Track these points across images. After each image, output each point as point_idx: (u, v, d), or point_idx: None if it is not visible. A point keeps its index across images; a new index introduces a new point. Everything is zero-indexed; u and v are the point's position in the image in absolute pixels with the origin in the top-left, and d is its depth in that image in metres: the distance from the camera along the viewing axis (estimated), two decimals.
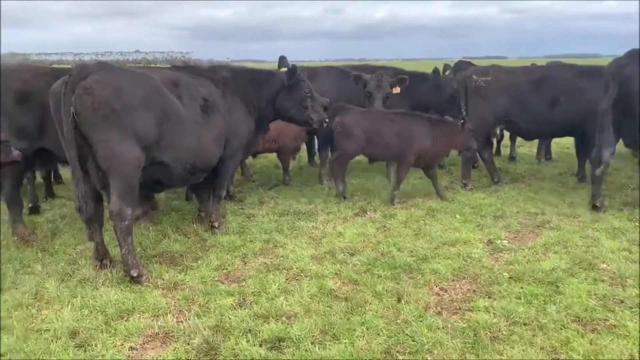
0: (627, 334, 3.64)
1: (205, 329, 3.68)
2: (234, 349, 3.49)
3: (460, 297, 4.25)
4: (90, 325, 3.76)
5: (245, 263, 4.95)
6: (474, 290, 4.35)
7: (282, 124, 6.81)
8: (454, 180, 8.09)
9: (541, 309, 3.98)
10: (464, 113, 7.31)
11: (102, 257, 4.78)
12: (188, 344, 3.57)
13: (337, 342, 3.57)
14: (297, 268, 4.78)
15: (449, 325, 3.75)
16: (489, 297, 4.21)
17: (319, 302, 4.11)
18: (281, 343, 3.56)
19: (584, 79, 7.31)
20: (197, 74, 5.46)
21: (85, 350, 3.50)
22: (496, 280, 4.49)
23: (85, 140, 4.35)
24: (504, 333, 3.66)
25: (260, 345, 3.54)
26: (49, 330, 3.71)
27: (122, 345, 3.58)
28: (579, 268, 4.71)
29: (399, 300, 4.12)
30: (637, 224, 5.85)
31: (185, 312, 3.99)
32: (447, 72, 11.04)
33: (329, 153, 8.27)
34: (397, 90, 7.45)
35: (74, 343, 3.57)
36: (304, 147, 9.10)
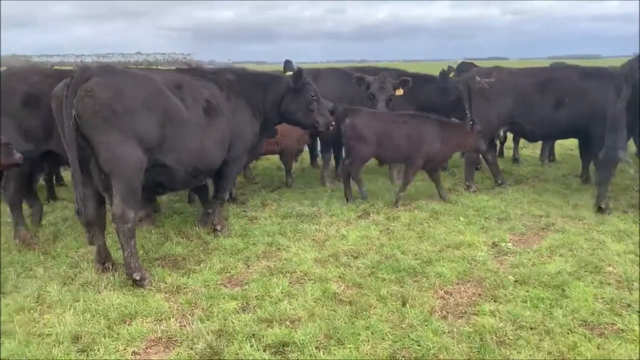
0: (635, 338, 3.59)
1: (208, 334, 3.65)
2: (237, 354, 3.46)
3: (466, 300, 4.21)
4: (92, 329, 3.73)
5: (249, 266, 4.92)
6: (480, 294, 4.31)
7: (284, 126, 6.78)
8: (457, 183, 8.05)
9: (547, 312, 3.94)
10: (468, 115, 7.28)
11: (104, 260, 4.75)
12: (191, 348, 3.54)
13: (341, 346, 3.53)
14: (300, 271, 4.74)
15: (455, 330, 3.72)
16: (495, 301, 4.17)
17: (323, 306, 4.07)
18: (285, 348, 3.53)
19: (588, 81, 7.28)
20: (201, 76, 5.44)
21: (87, 355, 3.47)
22: (501, 283, 4.45)
23: (87, 142, 4.33)
24: (511, 337, 3.62)
25: (264, 350, 3.50)
26: (51, 334, 3.68)
27: (125, 350, 3.55)
28: (585, 271, 4.67)
29: (403, 304, 4.09)
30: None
31: (188, 316, 3.96)
32: (451, 74, 11.01)
33: (331, 155, 8.25)
34: (400, 92, 7.42)
35: (76, 348, 3.54)
36: (306, 148, 9.06)
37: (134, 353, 3.53)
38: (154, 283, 4.50)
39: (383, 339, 3.62)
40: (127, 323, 3.86)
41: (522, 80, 7.50)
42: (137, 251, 4.55)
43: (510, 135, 9.62)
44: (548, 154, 9.88)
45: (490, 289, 4.38)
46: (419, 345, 3.54)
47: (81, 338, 3.63)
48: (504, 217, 6.23)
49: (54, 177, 7.71)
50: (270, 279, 4.57)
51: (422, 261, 4.93)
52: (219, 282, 4.56)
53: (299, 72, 6.01)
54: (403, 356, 3.45)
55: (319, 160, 9.22)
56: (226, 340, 3.60)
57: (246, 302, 4.17)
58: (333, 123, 6.31)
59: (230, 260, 5.00)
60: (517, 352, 3.46)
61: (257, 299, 4.22)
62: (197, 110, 5.02)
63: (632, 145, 6.52)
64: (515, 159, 9.87)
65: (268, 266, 4.88)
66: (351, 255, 5.12)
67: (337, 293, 4.30)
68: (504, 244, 5.39)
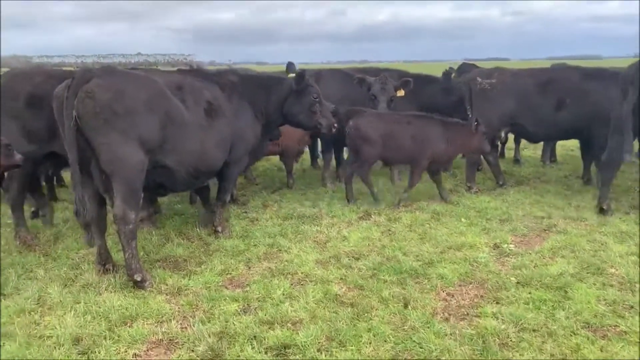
0: (638, 340, 3.58)
1: (209, 336, 3.64)
2: (239, 356, 3.45)
3: (468, 302, 4.19)
4: (93, 331, 3.72)
5: (250, 268, 4.91)
6: (482, 296, 4.29)
7: (285, 127, 6.76)
8: (458, 184, 8.03)
9: (550, 314, 3.92)
10: (470, 116, 7.26)
11: (105, 261, 4.74)
12: (192, 350, 3.53)
13: (343, 349, 3.52)
14: (301, 273, 4.73)
15: (457, 332, 3.70)
16: (497, 303, 4.15)
17: (324, 308, 4.06)
18: (287, 350, 3.51)
19: (589, 81, 7.27)
20: (203, 77, 5.43)
21: (88, 357, 3.46)
22: (504, 285, 4.43)
23: (88, 143, 4.32)
24: (513, 340, 3.60)
25: (266, 352, 3.49)
26: (51, 336, 3.67)
27: (126, 352, 3.54)
28: (587, 273, 4.65)
29: (405, 306, 4.07)
30: None
31: (189, 318, 3.95)
32: (452, 75, 10.99)
33: (332, 156, 8.23)
34: (401, 93, 7.40)
35: (77, 350, 3.53)
36: (306, 149, 9.05)
37: (135, 355, 3.51)
38: (155, 285, 4.48)
39: (385, 341, 3.60)
40: (128, 325, 3.85)
41: (524, 81, 7.49)
42: (138, 252, 4.54)
43: (511, 136, 9.62)
44: (549, 155, 9.87)
45: (493, 290, 4.36)
46: (421, 348, 3.52)
47: (82, 340, 3.62)
48: (505, 219, 6.22)
49: (54, 178, 7.69)
50: (271, 281, 4.55)
51: (424, 263, 4.92)
52: (220, 284, 4.55)
53: (301, 74, 5.99)
54: (405, 359, 3.44)
55: (320, 161, 9.20)
56: (227, 343, 3.59)
57: (247, 304, 4.16)
58: (336, 125, 6.28)
59: (232, 262, 4.99)
60: (520, 355, 3.44)
61: (259, 301, 4.20)
62: (198, 112, 5.01)
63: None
64: (517, 160, 9.86)
65: (269, 268, 4.86)
66: (352, 257, 5.10)
67: (339, 295, 4.29)
68: (505, 245, 5.37)
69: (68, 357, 3.45)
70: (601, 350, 3.47)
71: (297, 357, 3.44)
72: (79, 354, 3.49)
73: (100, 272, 4.67)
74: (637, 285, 4.37)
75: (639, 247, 5.20)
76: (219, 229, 5.70)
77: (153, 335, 3.71)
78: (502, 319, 3.85)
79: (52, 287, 4.40)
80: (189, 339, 3.64)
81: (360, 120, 6.75)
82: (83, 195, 4.42)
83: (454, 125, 6.80)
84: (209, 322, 3.87)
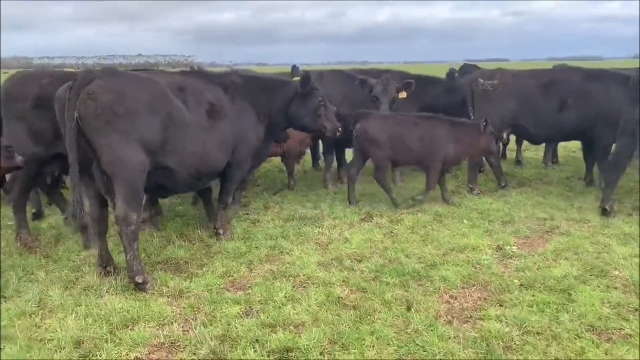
0: None
1: (211, 339, 3.62)
2: None
3: (471, 305, 4.17)
4: (94, 334, 3.70)
5: (251, 270, 4.88)
6: (485, 298, 4.27)
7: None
8: (460, 185, 8.00)
9: (554, 317, 3.90)
10: (472, 117, 7.24)
11: (106, 264, 4.72)
12: (194, 354, 3.51)
13: (346, 352, 3.50)
14: (303, 275, 4.70)
15: (461, 335, 3.67)
16: (500, 306, 4.12)
17: (327, 311, 4.03)
18: (289, 353, 3.49)
19: (591, 82, 7.25)
20: (205, 78, 5.41)
21: None
22: (507, 287, 4.41)
23: (89, 145, 4.30)
24: (517, 343, 3.58)
25: (268, 356, 3.47)
26: (52, 339, 3.65)
27: (128, 355, 3.51)
28: (591, 275, 4.62)
29: (408, 309, 4.04)
30: None
31: (191, 321, 3.92)
32: (456, 75, 10.94)
33: (334, 157, 8.20)
34: (403, 95, 7.37)
35: (78, 353, 3.51)
36: (308, 151, 9.02)
37: (136, 358, 3.49)
38: (156, 287, 4.46)
39: (388, 344, 3.58)
40: (130, 328, 3.83)
41: (525, 82, 7.48)
42: (139, 254, 4.52)
43: (513, 137, 9.59)
44: (551, 156, 9.84)
45: (496, 293, 4.34)
46: (424, 351, 3.50)
47: (83, 343, 3.60)
48: (508, 220, 6.19)
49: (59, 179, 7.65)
50: (273, 283, 4.53)
51: (427, 265, 4.89)
52: (221, 286, 4.53)
53: (306, 77, 5.93)
54: None
55: (321, 162, 9.18)
56: (229, 346, 3.57)
57: (249, 307, 4.13)
58: (340, 129, 6.25)
59: (233, 264, 4.97)
60: (524, 358, 3.42)
61: (261, 304, 4.18)
62: (200, 113, 4.99)
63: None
64: (518, 161, 9.84)
65: (271, 270, 4.84)
66: (355, 259, 5.08)
67: (341, 297, 4.26)
68: (508, 247, 5.35)
69: None
70: (606, 354, 3.45)
71: None
72: (80, 357, 3.47)
73: (101, 275, 4.65)
74: None
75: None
76: (221, 231, 5.68)
77: (155, 338, 3.69)
78: (506, 322, 3.83)
79: (53, 289, 4.38)
80: (190, 342, 3.62)
81: (368, 123, 6.71)
82: (80, 196, 4.39)
83: (462, 126, 6.78)
84: (210, 324, 3.85)
